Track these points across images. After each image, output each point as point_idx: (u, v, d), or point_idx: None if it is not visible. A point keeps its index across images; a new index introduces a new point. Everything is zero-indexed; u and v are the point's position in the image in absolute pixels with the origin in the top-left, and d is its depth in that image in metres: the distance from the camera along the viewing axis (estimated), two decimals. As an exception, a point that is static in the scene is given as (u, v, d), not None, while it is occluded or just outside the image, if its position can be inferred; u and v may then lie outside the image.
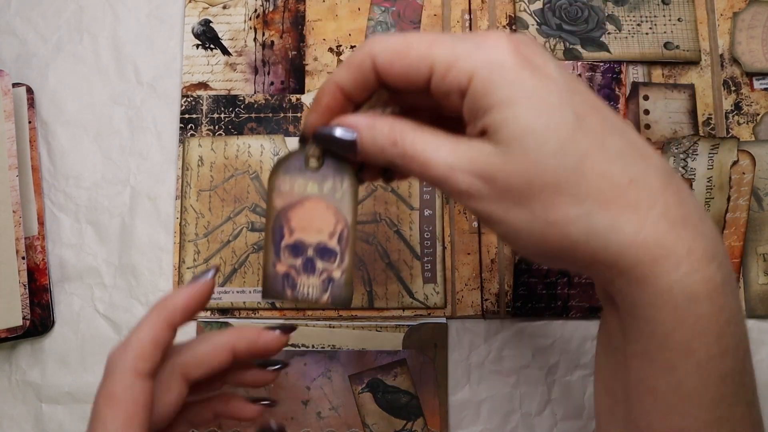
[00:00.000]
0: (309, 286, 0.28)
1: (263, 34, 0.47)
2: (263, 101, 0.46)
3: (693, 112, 0.46)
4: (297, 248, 0.28)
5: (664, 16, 0.47)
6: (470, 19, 0.47)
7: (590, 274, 0.26)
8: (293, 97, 0.46)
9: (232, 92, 0.46)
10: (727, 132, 0.46)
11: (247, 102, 0.46)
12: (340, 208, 0.28)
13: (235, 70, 0.46)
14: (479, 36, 0.25)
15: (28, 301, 0.41)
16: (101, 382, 0.27)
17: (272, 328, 0.31)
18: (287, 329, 0.31)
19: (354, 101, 0.28)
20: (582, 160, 0.24)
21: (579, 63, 0.46)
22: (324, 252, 0.28)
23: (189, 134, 0.45)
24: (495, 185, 0.24)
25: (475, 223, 0.45)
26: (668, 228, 0.24)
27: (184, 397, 0.29)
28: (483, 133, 0.25)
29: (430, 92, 0.26)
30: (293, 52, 0.46)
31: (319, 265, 0.28)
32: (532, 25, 0.46)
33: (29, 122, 0.45)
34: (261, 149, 0.45)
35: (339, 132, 0.27)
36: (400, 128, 0.26)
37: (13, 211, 0.41)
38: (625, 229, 0.23)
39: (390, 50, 0.26)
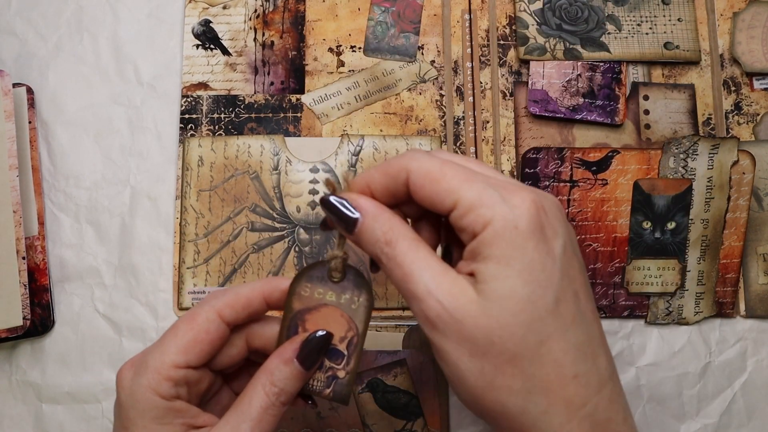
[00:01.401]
0: (315, 379, 0.31)
1: (263, 34, 0.47)
2: (263, 101, 0.46)
3: (693, 112, 0.46)
4: None
5: (664, 16, 0.47)
6: (470, 19, 0.47)
7: None
8: (293, 97, 0.46)
9: (232, 92, 0.46)
10: (727, 132, 0.46)
11: (247, 102, 0.46)
12: (353, 318, 0.30)
13: (235, 70, 0.46)
14: (509, 188, 0.26)
15: (28, 301, 0.41)
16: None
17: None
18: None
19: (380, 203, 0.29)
20: (543, 343, 0.25)
21: (579, 63, 0.46)
22: (333, 353, 0.30)
23: (189, 134, 0.45)
24: (461, 329, 0.26)
25: (475, 223, 0.45)
26: (590, 429, 0.26)
27: (224, 338, 0.30)
28: (473, 275, 0.26)
29: (449, 220, 0.27)
30: (293, 52, 0.46)
31: (327, 362, 0.31)
32: (532, 25, 0.46)
33: (29, 122, 0.45)
34: (261, 149, 0.45)
35: (345, 207, 0.28)
36: (398, 232, 0.27)
37: (14, 211, 0.41)
38: (553, 420, 0.25)
39: (424, 172, 0.27)
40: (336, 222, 0.29)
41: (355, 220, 0.28)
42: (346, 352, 0.30)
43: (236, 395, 0.33)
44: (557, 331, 0.26)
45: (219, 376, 0.33)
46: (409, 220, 0.31)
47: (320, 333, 0.30)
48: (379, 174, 0.28)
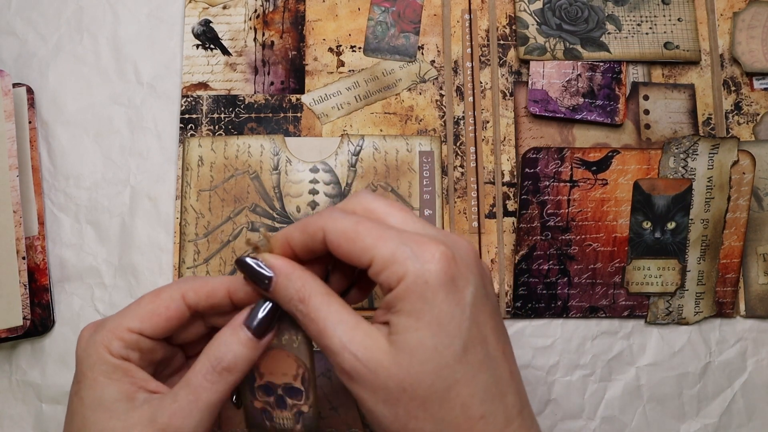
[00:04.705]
0: (283, 418, 0.33)
1: (263, 34, 0.47)
2: (263, 101, 0.46)
3: (693, 112, 0.46)
4: (268, 388, 0.32)
5: (664, 16, 0.47)
6: (470, 19, 0.47)
7: None
8: (293, 97, 0.46)
9: (232, 92, 0.46)
10: (727, 132, 0.46)
11: (247, 102, 0.46)
12: (299, 356, 0.31)
13: (235, 70, 0.46)
14: (420, 243, 0.28)
15: (28, 301, 0.41)
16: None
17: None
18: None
19: (299, 259, 0.30)
20: (451, 388, 0.27)
21: (579, 63, 0.46)
22: (291, 391, 0.32)
23: (189, 134, 0.45)
24: (375, 379, 0.27)
25: (475, 223, 0.45)
26: None
27: (182, 318, 0.31)
28: (387, 324, 0.28)
29: (368, 274, 0.28)
30: (293, 52, 0.46)
31: (289, 401, 0.32)
32: (532, 24, 0.46)
33: (29, 122, 0.45)
34: (261, 149, 0.45)
35: (260, 267, 0.30)
36: (312, 289, 0.29)
37: (14, 211, 0.41)
38: None
39: (339, 232, 0.28)
40: (251, 281, 0.30)
41: (269, 278, 0.30)
42: (302, 388, 0.32)
43: None
44: (465, 377, 0.27)
45: (181, 352, 0.34)
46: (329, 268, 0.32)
47: (268, 303, 0.31)
48: (298, 232, 0.30)
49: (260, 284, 0.30)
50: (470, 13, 0.47)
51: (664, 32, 0.46)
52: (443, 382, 0.27)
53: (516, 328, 0.44)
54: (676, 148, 0.44)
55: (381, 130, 0.46)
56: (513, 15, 0.47)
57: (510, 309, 0.44)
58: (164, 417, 0.29)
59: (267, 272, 0.30)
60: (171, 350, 0.33)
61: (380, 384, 0.27)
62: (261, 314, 0.30)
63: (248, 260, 0.30)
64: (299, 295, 0.29)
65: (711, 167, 0.43)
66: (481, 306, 0.28)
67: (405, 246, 0.27)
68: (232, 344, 0.30)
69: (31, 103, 0.45)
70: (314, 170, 0.45)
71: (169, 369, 0.33)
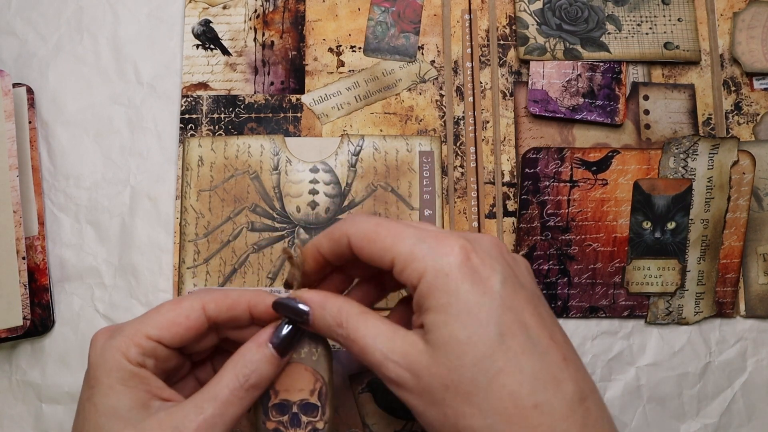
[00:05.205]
0: None
1: (263, 34, 0.47)
2: (263, 101, 0.46)
3: (693, 112, 0.46)
4: (283, 406, 0.32)
5: (664, 16, 0.47)
6: (470, 19, 0.47)
7: None
8: (293, 97, 0.46)
9: (232, 92, 0.46)
10: (727, 132, 0.46)
11: (247, 102, 0.46)
12: (317, 369, 0.32)
13: (235, 70, 0.46)
14: (438, 239, 0.28)
15: (28, 301, 0.41)
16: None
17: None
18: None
19: (332, 265, 0.32)
20: (495, 378, 0.26)
21: (579, 63, 0.46)
22: (307, 407, 0.32)
23: (189, 134, 0.45)
24: (420, 381, 0.27)
25: (475, 224, 0.45)
26: None
27: (200, 329, 0.31)
28: (422, 326, 0.28)
29: (394, 276, 0.29)
30: (293, 52, 0.47)
31: (304, 418, 0.32)
32: (532, 24, 0.46)
33: (29, 122, 0.45)
34: (261, 149, 0.45)
35: (294, 305, 0.31)
36: (347, 312, 0.30)
37: (14, 211, 0.41)
38: None
39: (361, 235, 0.29)
40: (290, 318, 0.31)
41: (306, 312, 0.30)
42: (319, 404, 0.32)
43: (201, 384, 0.34)
44: (507, 365, 0.26)
45: (187, 362, 0.34)
46: (356, 280, 0.34)
47: (290, 324, 0.31)
48: (326, 239, 0.31)
49: (299, 320, 0.31)
50: (470, 13, 0.47)
51: (664, 32, 0.46)
52: (485, 374, 0.26)
53: (516, 328, 0.44)
54: (676, 148, 0.44)
55: (381, 130, 0.46)
56: (513, 15, 0.47)
57: (510, 309, 0.44)
58: (190, 428, 0.29)
59: (303, 308, 0.30)
60: (182, 359, 0.33)
61: (425, 386, 0.27)
62: (285, 332, 0.31)
63: (283, 301, 0.31)
64: (336, 320, 0.30)
65: (711, 167, 0.43)
66: (514, 293, 0.28)
67: (423, 243, 0.28)
68: (261, 362, 0.30)
69: (31, 103, 0.45)
70: (314, 170, 0.45)
71: (177, 376, 0.34)
